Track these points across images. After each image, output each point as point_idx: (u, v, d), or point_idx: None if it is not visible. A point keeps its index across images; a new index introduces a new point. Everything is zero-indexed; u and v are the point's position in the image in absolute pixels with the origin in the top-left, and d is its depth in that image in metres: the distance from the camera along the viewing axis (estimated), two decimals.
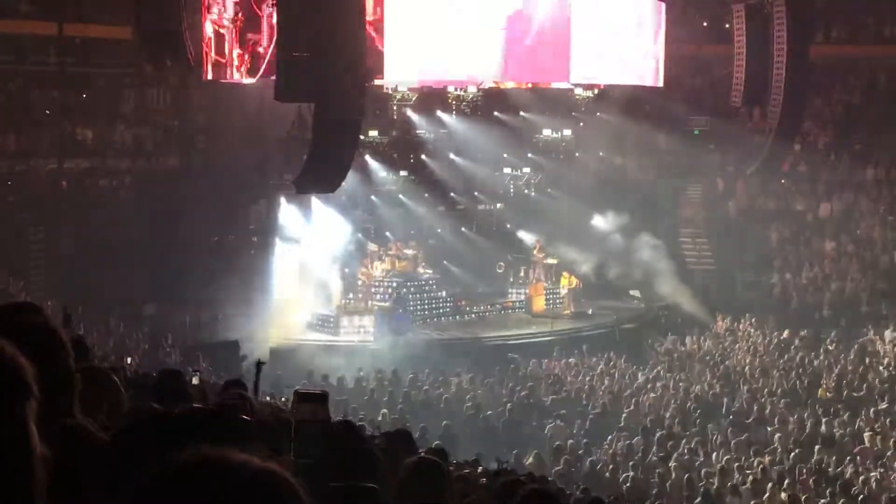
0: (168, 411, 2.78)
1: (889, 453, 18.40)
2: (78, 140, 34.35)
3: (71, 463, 2.53)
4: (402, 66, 28.73)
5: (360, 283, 29.80)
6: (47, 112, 34.33)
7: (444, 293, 30.47)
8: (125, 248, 29.07)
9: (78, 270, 28.61)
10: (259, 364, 11.23)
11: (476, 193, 32.92)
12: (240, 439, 2.12)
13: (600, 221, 32.64)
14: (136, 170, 33.98)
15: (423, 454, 6.60)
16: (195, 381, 7.76)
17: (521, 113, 32.82)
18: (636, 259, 32.35)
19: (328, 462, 4.09)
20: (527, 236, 32.55)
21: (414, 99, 31.18)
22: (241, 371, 21.81)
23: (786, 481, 16.66)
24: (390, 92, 30.71)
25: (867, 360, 25.60)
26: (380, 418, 19.77)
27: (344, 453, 4.41)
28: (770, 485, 16.39)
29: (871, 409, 21.28)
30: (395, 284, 29.60)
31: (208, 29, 30.11)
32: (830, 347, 26.72)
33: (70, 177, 33.28)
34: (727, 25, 36.70)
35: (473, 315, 30.77)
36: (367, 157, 30.60)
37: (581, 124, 33.73)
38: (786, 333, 28.30)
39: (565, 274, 31.54)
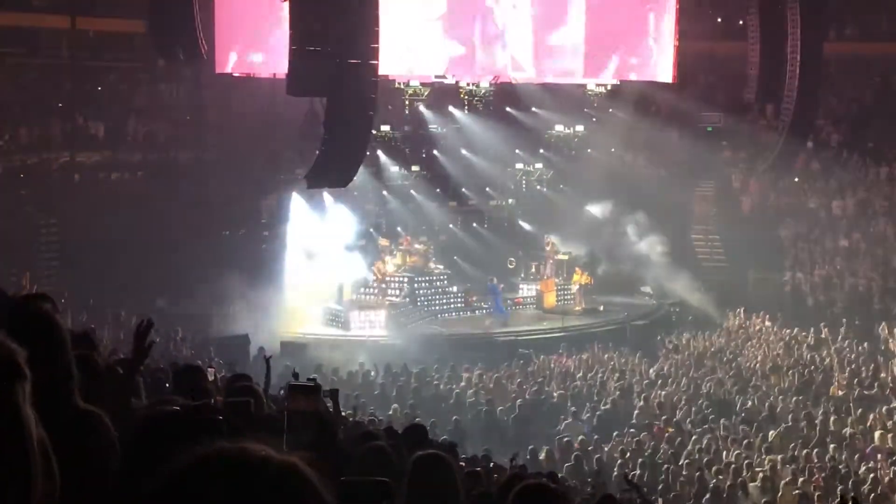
0: (185, 407, 2.78)
1: None
2: (90, 133, 34.43)
3: (83, 447, 2.52)
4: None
5: (371, 278, 29.78)
6: (60, 105, 34.41)
7: (454, 288, 30.43)
8: (136, 242, 29.11)
9: (89, 263, 28.66)
10: (268, 360, 11.41)
11: (487, 189, 32.88)
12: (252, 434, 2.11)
13: (607, 214, 32.60)
14: (149, 163, 34.04)
15: (431, 449, 6.59)
16: (210, 375, 7.78)
17: (533, 109, 32.76)
18: (646, 255, 32.31)
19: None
20: (538, 232, 32.49)
21: (426, 94, 31.15)
22: (248, 363, 21.89)
23: (797, 479, 16.61)
24: (402, 87, 30.69)
25: (879, 358, 25.51)
26: (390, 413, 19.79)
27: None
28: (781, 482, 16.34)
29: (884, 407, 21.20)
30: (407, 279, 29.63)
31: None
32: (843, 345, 26.62)
33: (82, 170, 33.38)
34: (741, 22, 36.63)
35: (484, 310, 30.73)
36: (379, 152, 30.62)
37: (593, 120, 33.67)
38: (797, 331, 28.21)
39: (577, 270, 31.46)
